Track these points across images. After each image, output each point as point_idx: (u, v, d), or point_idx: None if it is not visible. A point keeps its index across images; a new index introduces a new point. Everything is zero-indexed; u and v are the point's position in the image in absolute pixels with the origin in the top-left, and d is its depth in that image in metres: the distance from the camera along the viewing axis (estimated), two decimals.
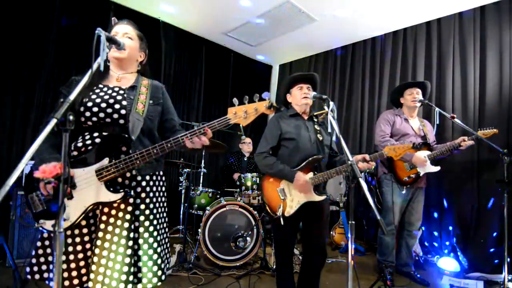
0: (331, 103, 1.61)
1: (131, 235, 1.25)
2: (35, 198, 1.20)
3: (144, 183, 1.34)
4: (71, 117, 0.90)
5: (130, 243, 1.24)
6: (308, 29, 4.24)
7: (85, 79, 1.04)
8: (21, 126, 3.22)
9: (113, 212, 1.25)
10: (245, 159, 4.43)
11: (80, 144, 1.26)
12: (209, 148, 3.62)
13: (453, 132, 3.40)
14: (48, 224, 1.19)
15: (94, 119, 1.27)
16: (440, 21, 3.69)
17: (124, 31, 1.39)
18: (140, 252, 1.27)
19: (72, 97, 0.95)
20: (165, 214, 1.45)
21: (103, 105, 1.28)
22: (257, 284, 2.55)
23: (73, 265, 1.21)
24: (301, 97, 1.98)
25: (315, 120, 2.07)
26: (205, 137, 1.22)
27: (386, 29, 4.14)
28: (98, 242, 1.22)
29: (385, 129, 2.77)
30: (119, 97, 1.32)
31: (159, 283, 1.30)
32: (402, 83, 2.96)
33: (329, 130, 1.58)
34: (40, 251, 1.25)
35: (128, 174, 1.28)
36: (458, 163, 3.26)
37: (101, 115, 1.27)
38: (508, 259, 2.40)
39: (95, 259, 1.21)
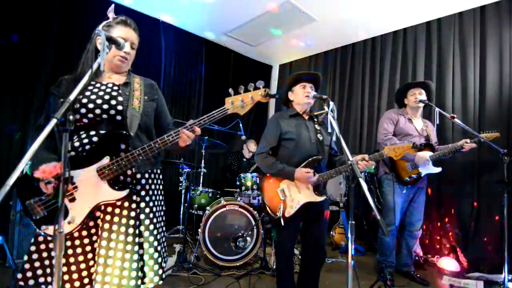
0: (331, 103, 1.61)
1: (137, 231, 1.24)
2: (34, 205, 1.16)
3: (143, 181, 1.33)
4: (71, 117, 0.89)
5: (137, 239, 1.23)
6: (308, 29, 4.24)
7: (85, 79, 1.02)
8: (21, 126, 3.22)
9: (117, 211, 1.23)
10: (244, 159, 4.43)
11: (77, 144, 1.22)
12: (209, 148, 3.62)
13: (453, 132, 3.40)
14: (51, 229, 1.15)
15: (90, 115, 1.24)
16: (440, 21, 3.69)
17: (132, 40, 1.36)
18: (141, 251, 1.26)
19: (72, 97, 0.94)
20: (163, 213, 1.44)
21: (99, 101, 1.25)
22: (257, 284, 2.55)
23: (73, 268, 1.19)
24: (303, 95, 1.98)
25: (315, 120, 2.07)
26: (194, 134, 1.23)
27: (386, 29, 4.14)
28: (103, 243, 1.20)
29: (388, 127, 2.76)
30: (114, 93, 1.29)
31: (161, 282, 1.29)
32: (405, 84, 2.95)
33: (329, 130, 1.58)
34: (35, 255, 1.20)
35: (129, 172, 1.27)
36: (458, 163, 3.26)
37: (97, 111, 1.24)
38: (508, 259, 2.39)
39: (101, 260, 1.18)
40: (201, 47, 4.85)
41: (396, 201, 2.67)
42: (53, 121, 0.88)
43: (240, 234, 2.88)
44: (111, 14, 1.36)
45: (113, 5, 1.37)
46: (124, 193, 1.18)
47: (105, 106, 1.25)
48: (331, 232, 3.81)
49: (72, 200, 1.16)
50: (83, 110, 1.23)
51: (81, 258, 1.22)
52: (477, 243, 3.10)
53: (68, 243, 1.20)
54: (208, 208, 3.17)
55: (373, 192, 3.57)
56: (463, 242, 3.20)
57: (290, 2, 3.58)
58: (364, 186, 1.29)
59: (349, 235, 1.32)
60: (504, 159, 2.38)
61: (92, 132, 1.24)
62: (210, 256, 2.81)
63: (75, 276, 1.20)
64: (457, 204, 3.31)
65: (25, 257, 1.20)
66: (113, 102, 1.27)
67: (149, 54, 4.24)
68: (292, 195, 1.88)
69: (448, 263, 3.09)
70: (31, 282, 1.18)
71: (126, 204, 1.25)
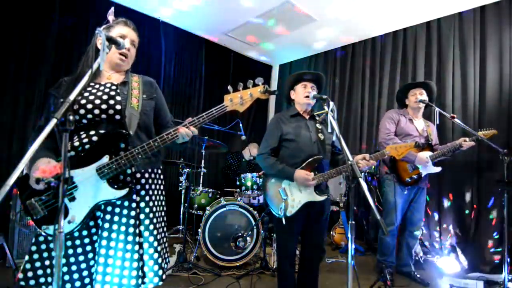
0: (331, 103, 1.61)
1: (137, 231, 1.24)
2: (35, 204, 1.16)
3: (143, 181, 1.33)
4: (71, 117, 0.89)
5: (137, 239, 1.23)
6: (308, 29, 4.24)
7: (85, 79, 1.02)
8: (21, 126, 3.22)
9: (117, 210, 1.23)
10: (244, 160, 4.42)
11: (76, 144, 1.22)
12: (209, 148, 3.62)
13: (453, 132, 3.40)
14: (51, 229, 1.16)
15: (89, 116, 1.24)
16: (440, 21, 3.69)
17: (132, 38, 1.38)
18: (141, 251, 1.26)
19: (72, 97, 0.94)
20: (163, 213, 1.44)
21: (97, 101, 1.26)
22: (257, 284, 2.55)
23: (74, 268, 1.19)
24: (303, 95, 1.99)
25: (317, 119, 2.07)
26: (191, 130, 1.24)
27: (386, 29, 4.14)
28: (103, 242, 1.20)
29: (390, 127, 2.76)
30: (112, 93, 1.30)
31: (160, 283, 1.29)
32: (406, 84, 2.95)
33: (329, 130, 1.58)
34: (36, 255, 1.20)
35: (129, 171, 1.27)
36: (458, 163, 3.26)
37: (96, 111, 1.25)
38: (508, 259, 2.39)
39: (101, 259, 1.18)
40: (201, 47, 4.85)
41: (397, 201, 2.67)
42: (53, 121, 0.88)
43: (240, 234, 2.88)
44: (111, 17, 1.38)
45: (112, 8, 1.38)
46: (123, 191, 1.18)
47: (104, 106, 1.26)
48: (331, 232, 3.81)
49: (72, 199, 1.16)
50: (82, 111, 1.23)
51: (81, 258, 1.22)
52: (477, 243, 3.10)
53: (69, 243, 1.20)
54: (208, 208, 3.16)
55: (373, 192, 3.57)
56: (463, 242, 3.20)
57: (290, 2, 3.58)
58: (364, 186, 1.28)
59: (349, 235, 1.32)
60: (504, 159, 2.38)
61: (92, 132, 1.24)
62: (210, 256, 2.81)
63: (75, 276, 1.20)
64: (457, 204, 3.31)
65: (26, 257, 1.21)
66: (112, 101, 1.27)
67: (149, 54, 4.24)
68: (293, 194, 1.89)
69: (448, 263, 3.09)
70: (32, 282, 1.19)
71: (126, 203, 1.25)
